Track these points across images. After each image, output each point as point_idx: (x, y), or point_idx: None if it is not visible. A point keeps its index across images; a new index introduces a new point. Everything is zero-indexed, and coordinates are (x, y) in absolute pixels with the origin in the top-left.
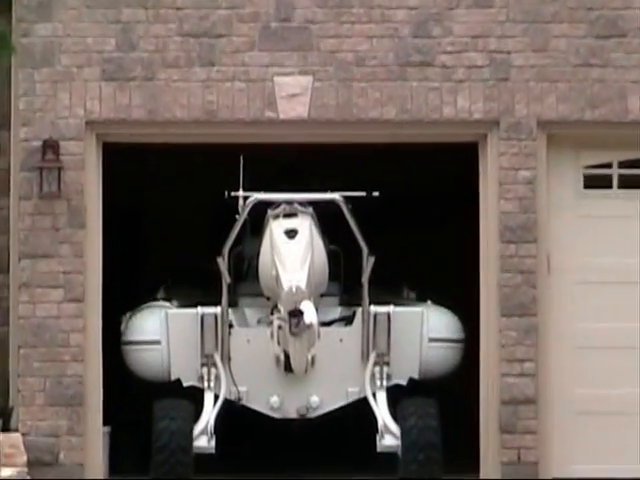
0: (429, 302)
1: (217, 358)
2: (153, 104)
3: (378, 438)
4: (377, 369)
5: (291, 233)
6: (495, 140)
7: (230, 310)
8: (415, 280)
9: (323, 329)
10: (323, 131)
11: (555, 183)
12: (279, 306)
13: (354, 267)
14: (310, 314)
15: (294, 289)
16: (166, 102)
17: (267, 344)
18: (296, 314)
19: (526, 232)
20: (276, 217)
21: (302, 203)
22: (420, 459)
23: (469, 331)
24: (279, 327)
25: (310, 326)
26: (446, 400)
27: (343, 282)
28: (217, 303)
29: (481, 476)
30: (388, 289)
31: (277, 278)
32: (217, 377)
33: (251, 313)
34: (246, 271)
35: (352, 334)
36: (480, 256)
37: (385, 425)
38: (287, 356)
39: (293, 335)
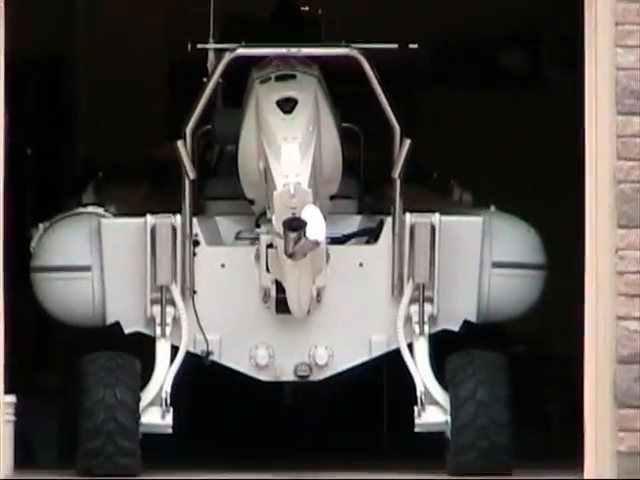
0: (493, 208)
1: (175, 292)
2: None
3: (416, 412)
4: (415, 308)
5: (287, 104)
6: None
7: (195, 220)
8: (472, 176)
9: (334, 248)
10: None
11: None
12: (269, 214)
13: (381, 155)
14: (315, 226)
15: (292, 189)
16: None
17: (250, 271)
18: (295, 226)
19: None
20: (265, 80)
21: (304, 59)
22: (481, 446)
23: (556, 253)
24: (269, 246)
25: (315, 244)
26: (523, 356)
27: (364, 178)
28: (174, 210)
29: (586, 475)
30: (432, 188)
31: (267, 172)
32: (175, 320)
33: (226, 225)
34: (218, 162)
35: (378, 256)
36: (586, 135)
37: (427, 392)
38: (281, 289)
39: (290, 257)
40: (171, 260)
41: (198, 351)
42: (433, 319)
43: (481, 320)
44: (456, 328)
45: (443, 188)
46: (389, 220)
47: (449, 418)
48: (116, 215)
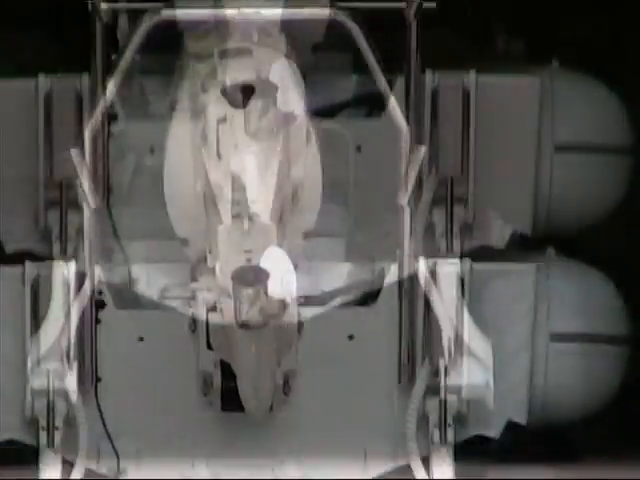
0: (556, 63)
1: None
2: None
3: (442, 368)
4: (440, 213)
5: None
6: None
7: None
8: (526, 13)
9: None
10: None
11: None
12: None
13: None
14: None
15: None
16: None
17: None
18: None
19: None
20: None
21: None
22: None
23: None
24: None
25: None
26: None
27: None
28: (80, 67)
29: None
30: (464, 33)
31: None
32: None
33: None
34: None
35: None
36: None
37: (457, 338)
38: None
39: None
40: (73, 126)
41: None
42: (468, 229)
43: (540, 231)
44: (501, 244)
45: (481, 32)
46: (400, 82)
47: (491, 379)
48: None
